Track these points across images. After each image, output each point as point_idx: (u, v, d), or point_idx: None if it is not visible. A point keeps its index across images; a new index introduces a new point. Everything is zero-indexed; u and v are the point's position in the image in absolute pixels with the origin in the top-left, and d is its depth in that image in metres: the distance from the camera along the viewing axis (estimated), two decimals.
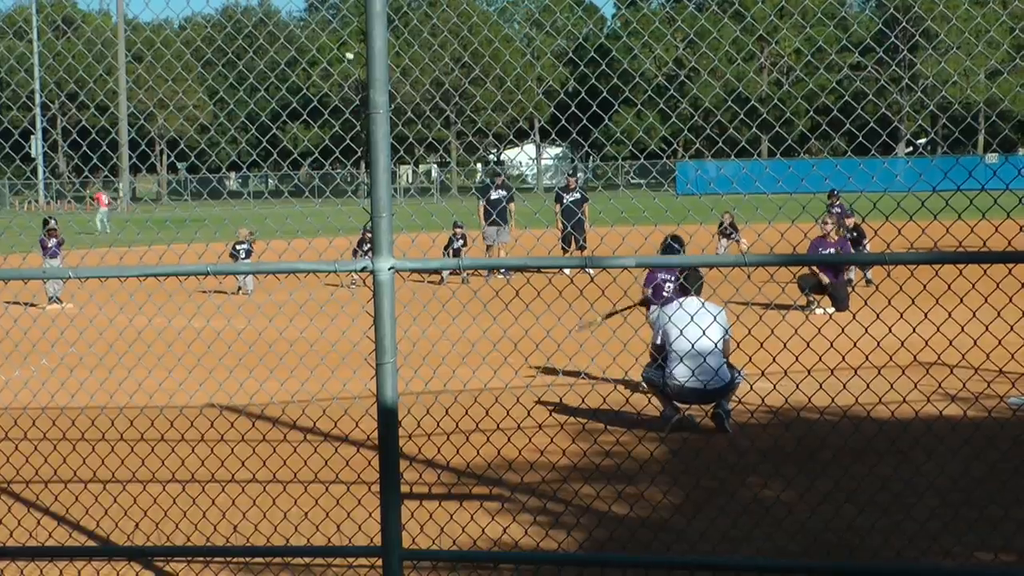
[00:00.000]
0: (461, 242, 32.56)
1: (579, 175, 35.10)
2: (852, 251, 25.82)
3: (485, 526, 9.52)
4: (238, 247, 31.67)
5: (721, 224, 33.24)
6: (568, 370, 15.07)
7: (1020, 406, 13.63)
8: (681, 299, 13.87)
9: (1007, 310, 8.88)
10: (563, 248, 31.73)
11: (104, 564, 8.80)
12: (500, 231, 32.03)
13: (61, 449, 11.25)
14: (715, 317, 12.62)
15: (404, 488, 7.02)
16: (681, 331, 13.12)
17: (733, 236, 32.14)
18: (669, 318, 13.61)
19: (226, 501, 9.92)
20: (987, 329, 9.09)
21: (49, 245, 28.56)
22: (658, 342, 13.71)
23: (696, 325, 12.31)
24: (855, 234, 28.80)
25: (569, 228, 30.91)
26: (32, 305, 27.10)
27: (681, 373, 13.14)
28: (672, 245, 15.22)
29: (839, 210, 27.89)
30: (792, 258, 7.68)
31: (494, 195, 32.36)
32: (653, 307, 15.21)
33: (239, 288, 30.94)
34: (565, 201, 32.63)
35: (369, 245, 24.09)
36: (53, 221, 29.13)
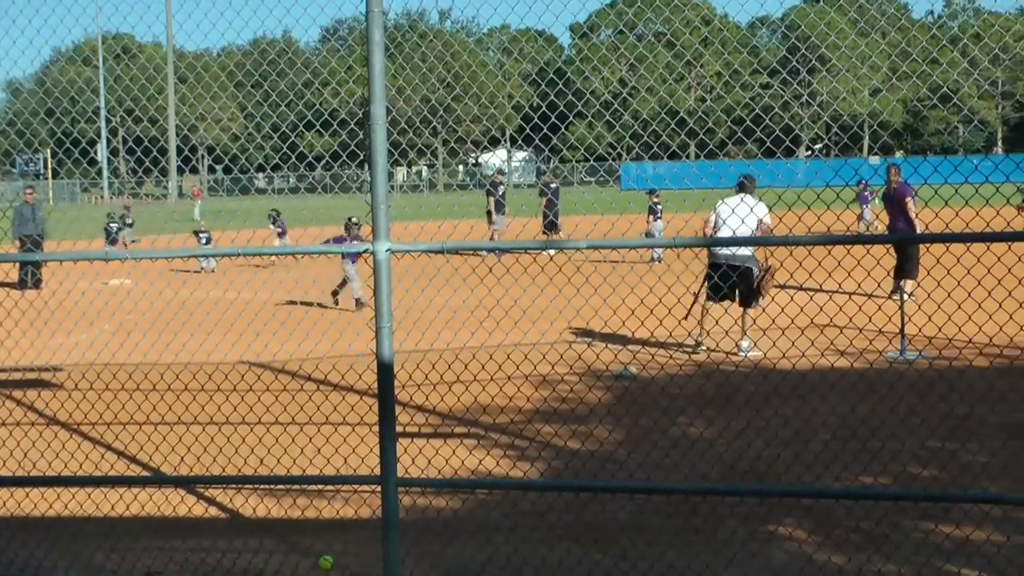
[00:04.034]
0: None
1: (548, 175, 34.90)
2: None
3: (464, 458, 9.52)
4: (200, 234, 31.64)
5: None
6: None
7: (895, 359, 13.68)
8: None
9: (886, 281, 8.93)
10: (544, 232, 31.51)
11: (156, 491, 8.78)
12: (503, 220, 31.97)
13: (120, 397, 11.22)
14: (752, 209, 14.34)
15: (398, 428, 7.01)
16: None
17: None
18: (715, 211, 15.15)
19: (254, 439, 9.90)
20: (870, 297, 9.13)
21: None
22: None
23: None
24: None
25: (550, 215, 31.03)
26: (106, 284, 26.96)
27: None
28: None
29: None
30: (715, 240, 7.70)
31: (501, 190, 32.31)
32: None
33: (201, 268, 30.72)
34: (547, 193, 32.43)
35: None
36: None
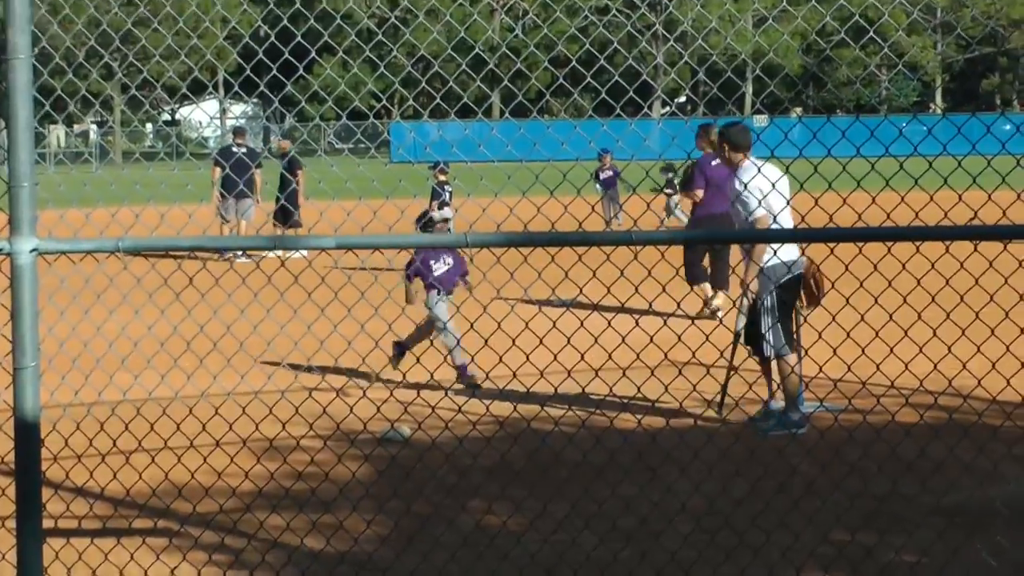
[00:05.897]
0: None
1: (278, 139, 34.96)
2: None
3: (148, 567, 9.43)
4: None
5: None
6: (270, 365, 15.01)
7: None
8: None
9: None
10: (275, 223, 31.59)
11: None
12: (246, 203, 32.00)
13: None
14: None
15: (47, 522, 6.92)
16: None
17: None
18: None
19: None
20: (750, 322, 9.22)
21: None
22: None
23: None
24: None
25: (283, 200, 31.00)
26: None
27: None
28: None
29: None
30: (521, 237, 7.73)
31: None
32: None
33: None
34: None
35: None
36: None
